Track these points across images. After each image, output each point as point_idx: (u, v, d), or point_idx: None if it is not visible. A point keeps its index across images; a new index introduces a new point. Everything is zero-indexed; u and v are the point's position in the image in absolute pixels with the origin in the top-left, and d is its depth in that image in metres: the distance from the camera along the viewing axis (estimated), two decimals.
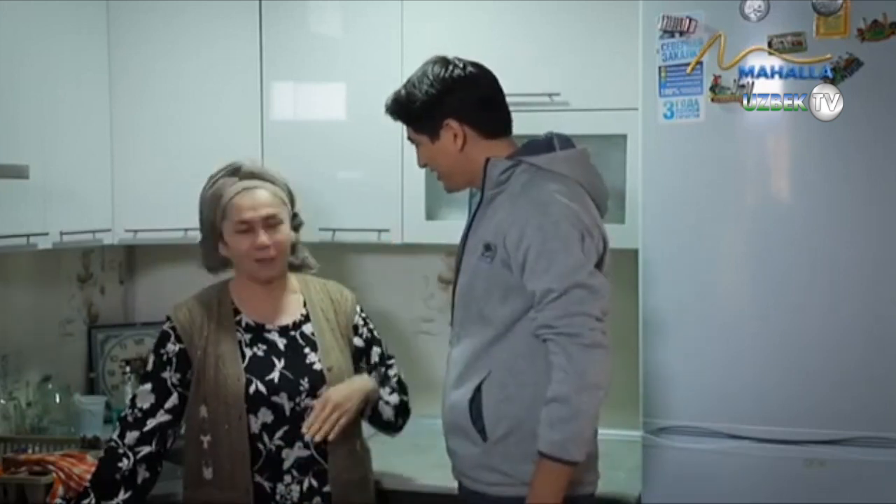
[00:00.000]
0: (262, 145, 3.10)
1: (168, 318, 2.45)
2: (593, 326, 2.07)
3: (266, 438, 2.36)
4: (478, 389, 2.18)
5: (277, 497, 2.37)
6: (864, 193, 2.34)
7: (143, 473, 2.37)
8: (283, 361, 2.40)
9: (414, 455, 2.84)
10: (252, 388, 2.36)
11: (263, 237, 2.38)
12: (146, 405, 2.39)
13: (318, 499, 2.39)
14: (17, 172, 2.50)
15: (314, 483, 2.39)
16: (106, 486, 2.35)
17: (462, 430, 2.21)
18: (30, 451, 2.76)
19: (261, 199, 2.41)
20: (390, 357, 2.63)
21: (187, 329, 2.42)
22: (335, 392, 2.36)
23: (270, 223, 2.40)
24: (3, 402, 2.95)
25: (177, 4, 3.08)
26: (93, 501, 2.33)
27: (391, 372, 2.58)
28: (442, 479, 2.51)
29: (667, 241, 2.48)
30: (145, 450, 2.37)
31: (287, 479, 2.37)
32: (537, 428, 2.09)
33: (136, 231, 3.07)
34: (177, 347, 2.41)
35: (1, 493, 2.55)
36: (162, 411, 2.39)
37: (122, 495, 2.35)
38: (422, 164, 2.35)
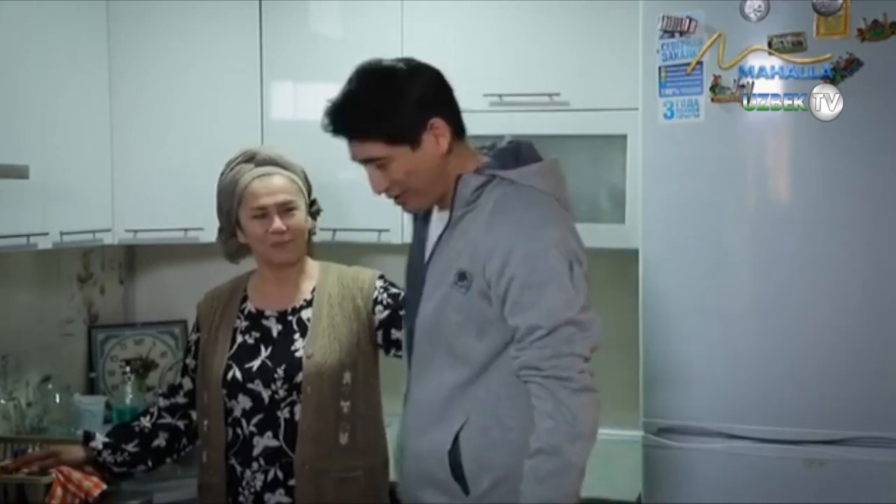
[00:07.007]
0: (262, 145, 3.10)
1: (197, 307, 2.57)
2: (582, 369, 1.87)
3: (244, 424, 2.39)
4: (456, 438, 1.95)
5: (244, 483, 2.39)
6: (864, 193, 2.34)
7: (159, 440, 2.50)
8: (269, 349, 2.42)
9: None
10: (230, 375, 2.40)
11: (278, 222, 2.40)
12: (175, 382, 2.57)
13: (280, 490, 2.37)
14: (17, 172, 2.50)
15: (279, 474, 2.37)
16: (121, 429, 2.55)
17: (436, 482, 1.98)
18: (30, 451, 2.75)
19: (276, 185, 2.42)
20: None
21: (203, 318, 2.52)
22: None
23: (286, 209, 2.42)
24: (3, 402, 2.95)
25: (177, 4, 3.07)
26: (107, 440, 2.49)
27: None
28: None
29: (667, 241, 2.48)
30: (166, 418, 2.51)
31: (255, 466, 2.38)
32: None
33: (136, 231, 3.07)
34: (195, 336, 2.53)
35: (1, 493, 2.54)
36: (181, 393, 2.53)
37: (131, 445, 2.48)
38: (384, 187, 2.03)
